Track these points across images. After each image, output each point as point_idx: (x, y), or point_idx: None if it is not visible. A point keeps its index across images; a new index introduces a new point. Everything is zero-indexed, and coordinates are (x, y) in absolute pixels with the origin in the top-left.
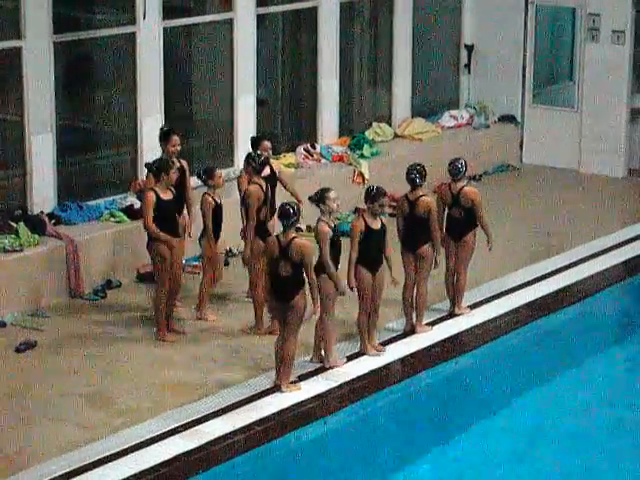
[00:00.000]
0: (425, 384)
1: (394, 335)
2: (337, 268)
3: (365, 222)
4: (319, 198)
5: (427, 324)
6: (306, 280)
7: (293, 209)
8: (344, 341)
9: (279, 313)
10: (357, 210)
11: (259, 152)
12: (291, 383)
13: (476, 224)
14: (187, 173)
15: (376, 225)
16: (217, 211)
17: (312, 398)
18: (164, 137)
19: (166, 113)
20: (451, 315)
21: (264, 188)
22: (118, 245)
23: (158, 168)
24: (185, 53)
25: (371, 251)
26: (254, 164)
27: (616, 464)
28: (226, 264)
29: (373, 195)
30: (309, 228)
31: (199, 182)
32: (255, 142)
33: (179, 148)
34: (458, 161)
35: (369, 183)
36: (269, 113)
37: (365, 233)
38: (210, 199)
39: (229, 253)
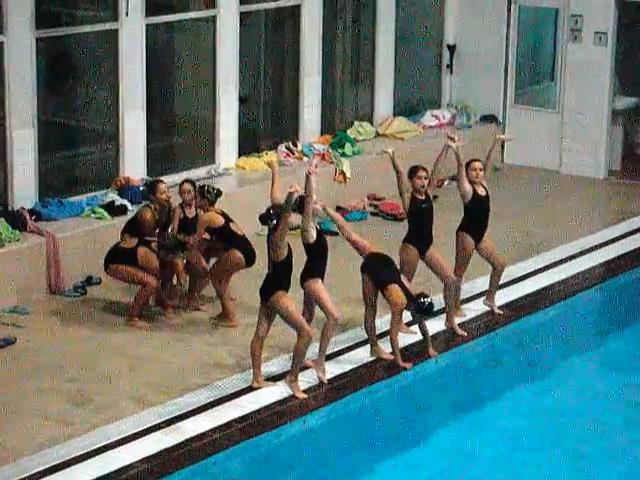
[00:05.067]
0: (405, 384)
1: (380, 332)
2: (323, 273)
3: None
4: (299, 206)
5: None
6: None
7: (265, 216)
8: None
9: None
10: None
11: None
12: (265, 380)
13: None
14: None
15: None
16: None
17: (292, 396)
18: (150, 189)
19: (148, 110)
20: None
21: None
22: (99, 242)
23: (148, 189)
24: (168, 50)
25: None
26: (209, 197)
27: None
28: None
29: (424, 310)
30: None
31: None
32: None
33: (169, 195)
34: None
35: (350, 181)
36: (251, 111)
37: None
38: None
39: None
